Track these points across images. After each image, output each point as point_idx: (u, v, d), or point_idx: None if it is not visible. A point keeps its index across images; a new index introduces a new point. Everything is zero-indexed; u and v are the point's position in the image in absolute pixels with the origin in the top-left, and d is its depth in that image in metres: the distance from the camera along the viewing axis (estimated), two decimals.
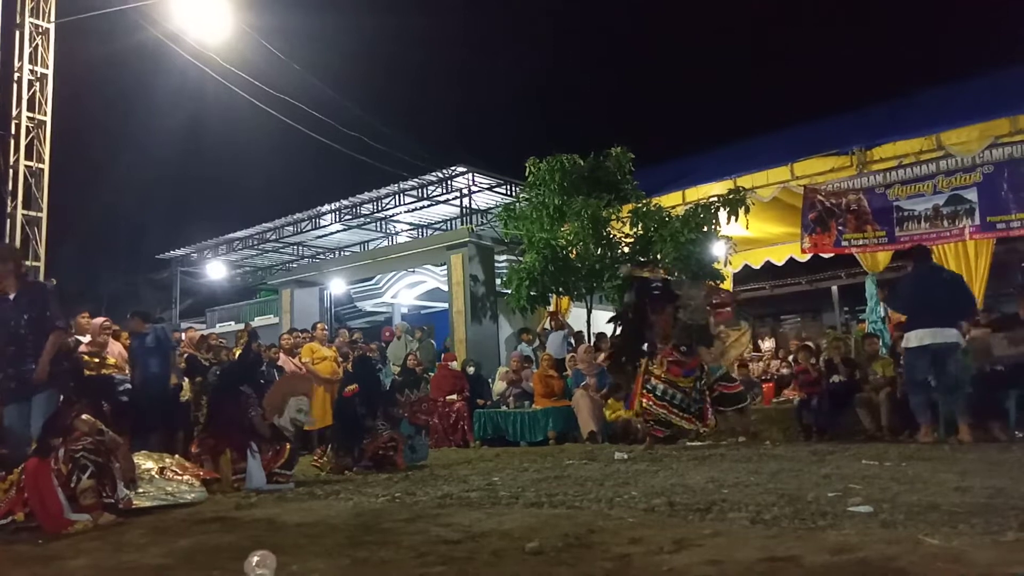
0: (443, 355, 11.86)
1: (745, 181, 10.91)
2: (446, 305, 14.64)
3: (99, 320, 7.85)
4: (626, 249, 11.30)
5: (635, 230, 11.14)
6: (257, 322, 19.04)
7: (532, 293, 11.34)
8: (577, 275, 11.30)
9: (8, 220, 9.56)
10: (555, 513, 3.92)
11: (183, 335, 10.26)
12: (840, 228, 10.11)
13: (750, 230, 11.73)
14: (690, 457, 6.44)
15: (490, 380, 11.32)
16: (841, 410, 7.87)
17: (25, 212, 9.63)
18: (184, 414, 8.49)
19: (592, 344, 11.00)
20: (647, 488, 4.58)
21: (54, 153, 9.98)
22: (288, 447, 6.06)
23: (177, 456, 5.87)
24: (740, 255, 13.34)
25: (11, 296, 5.35)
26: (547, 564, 2.82)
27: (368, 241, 20.85)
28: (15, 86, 9.70)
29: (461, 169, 15.86)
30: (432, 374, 11.20)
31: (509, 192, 16.36)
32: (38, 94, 9.87)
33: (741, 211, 10.56)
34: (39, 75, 9.89)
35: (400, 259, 16.14)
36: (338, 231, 19.87)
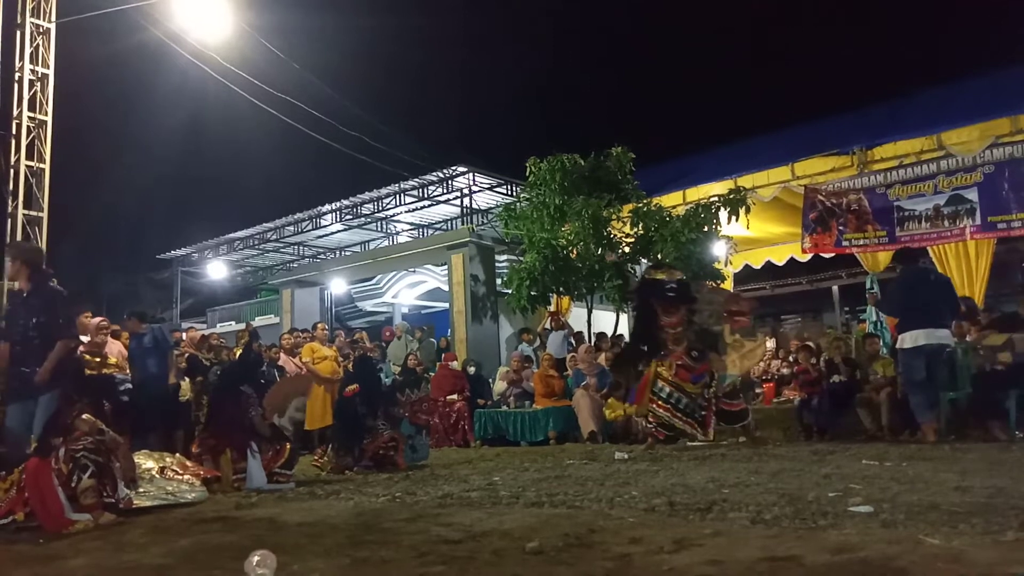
0: (443, 355, 11.86)
1: (746, 181, 10.91)
2: (447, 305, 14.64)
3: (96, 320, 7.85)
4: (627, 249, 11.31)
5: (636, 230, 11.14)
6: (258, 322, 19.06)
7: (533, 293, 11.34)
8: (578, 275, 11.30)
9: (9, 220, 9.55)
10: (555, 513, 3.92)
11: (184, 335, 10.26)
12: (841, 228, 10.11)
13: (751, 230, 11.73)
14: (690, 457, 6.44)
15: (490, 380, 11.32)
16: (841, 410, 7.86)
17: (26, 212, 9.63)
18: (184, 414, 8.49)
19: (593, 344, 11.00)
20: (647, 488, 4.58)
21: (55, 153, 9.99)
22: (288, 447, 6.06)
23: (178, 455, 5.88)
24: (741, 255, 13.34)
25: (25, 295, 5.38)
26: (548, 564, 2.82)
27: (369, 241, 20.86)
28: (16, 86, 9.70)
29: (462, 169, 15.87)
30: (432, 374, 11.21)
31: (510, 192, 16.37)
32: (39, 94, 9.87)
33: (742, 211, 10.55)
34: (40, 75, 9.90)
35: (401, 259, 16.13)
36: (339, 231, 19.88)
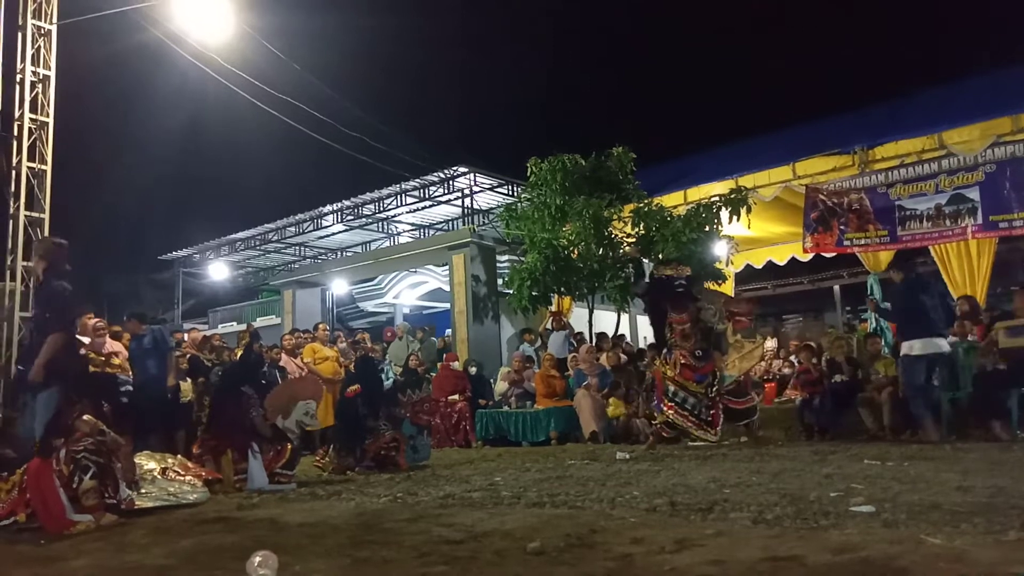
0: (445, 355, 11.86)
1: (747, 181, 10.90)
2: (448, 305, 14.64)
3: (92, 321, 7.87)
4: (627, 249, 11.30)
5: (637, 230, 11.13)
6: (259, 323, 19.07)
7: (534, 293, 11.34)
8: (579, 275, 11.29)
9: (11, 221, 9.55)
10: (557, 513, 3.92)
11: (185, 336, 10.27)
12: (842, 227, 10.10)
13: (752, 230, 11.71)
14: (692, 457, 6.44)
15: (492, 380, 11.32)
16: (843, 410, 7.85)
17: (28, 213, 9.63)
18: (185, 415, 8.49)
19: (594, 344, 11.00)
20: (649, 488, 4.58)
21: (56, 154, 9.98)
22: (289, 447, 6.07)
23: (179, 456, 5.89)
24: (742, 255, 13.33)
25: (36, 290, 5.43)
26: (549, 564, 2.82)
27: (370, 241, 20.87)
28: (17, 87, 9.71)
29: (463, 169, 15.87)
30: (434, 374, 11.21)
31: (511, 192, 16.38)
32: (40, 96, 9.87)
33: (743, 211, 10.55)
34: (41, 76, 9.90)
35: (402, 259, 16.13)
36: (340, 232, 19.90)
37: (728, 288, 11.79)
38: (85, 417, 4.55)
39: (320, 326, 11.04)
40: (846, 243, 10.17)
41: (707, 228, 10.73)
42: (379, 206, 18.07)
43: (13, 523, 4.23)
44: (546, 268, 11.12)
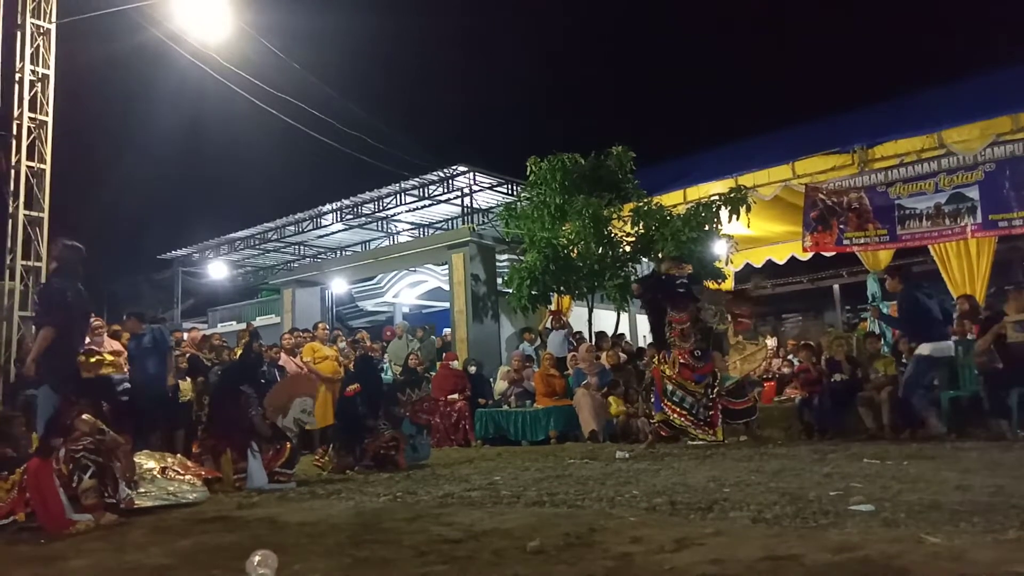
0: (444, 355, 11.85)
1: (746, 180, 10.90)
2: (447, 304, 14.63)
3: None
4: (627, 248, 11.30)
5: (636, 229, 11.13)
6: (259, 322, 19.05)
7: (533, 292, 11.33)
8: (578, 274, 11.29)
9: (10, 220, 9.56)
10: (556, 512, 3.92)
11: (185, 335, 10.27)
12: (841, 227, 10.09)
13: (751, 229, 11.72)
14: (691, 456, 6.44)
15: (491, 379, 11.31)
16: (842, 409, 7.85)
17: (27, 212, 9.63)
18: (184, 414, 8.49)
19: (593, 343, 11.00)
20: (648, 487, 4.58)
21: (56, 153, 9.99)
22: (289, 446, 6.07)
23: (179, 456, 5.89)
24: (741, 254, 13.32)
25: None
26: (548, 563, 2.82)
27: (369, 241, 20.86)
28: (17, 87, 9.71)
29: (462, 168, 15.86)
30: (433, 373, 11.20)
31: (510, 191, 16.37)
32: (39, 95, 9.88)
33: (742, 210, 10.55)
34: (40, 76, 9.90)
35: (401, 258, 16.13)
36: (339, 231, 19.88)
37: (727, 288, 11.79)
38: (84, 416, 4.55)
39: (320, 325, 11.04)
40: (845, 242, 10.17)
41: (707, 227, 10.73)
42: (378, 205, 18.06)
43: (12, 523, 4.23)
44: (546, 267, 11.12)
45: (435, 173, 16.36)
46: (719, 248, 11.23)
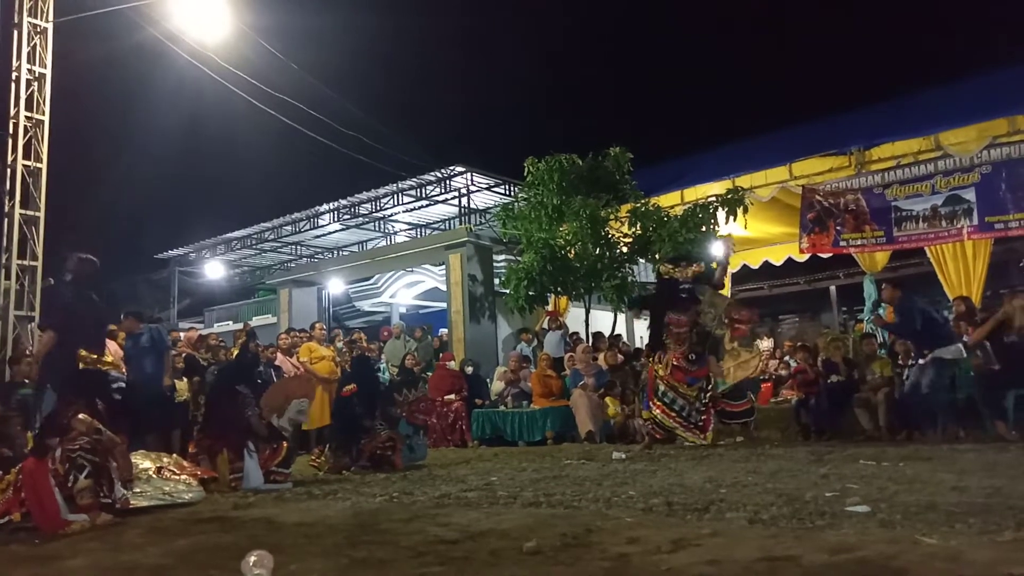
0: (441, 355, 11.85)
1: (744, 181, 10.91)
2: (444, 305, 14.62)
3: None
4: (624, 249, 11.31)
5: (634, 230, 11.14)
6: (255, 322, 19.00)
7: (530, 293, 11.33)
8: (575, 275, 11.29)
9: (6, 219, 9.52)
10: (553, 513, 3.92)
11: (182, 335, 10.25)
12: (838, 228, 10.11)
13: (748, 230, 11.73)
14: (688, 457, 6.44)
15: (488, 380, 11.31)
16: (839, 410, 7.87)
17: (23, 211, 9.59)
18: (181, 414, 8.48)
19: (590, 344, 11.00)
20: (645, 488, 4.58)
21: (52, 152, 9.96)
22: (285, 445, 6.07)
23: (175, 456, 5.88)
24: (738, 255, 13.32)
25: None
26: (545, 564, 2.82)
27: (366, 241, 20.84)
28: (13, 85, 9.68)
29: (460, 169, 15.85)
30: (431, 374, 11.19)
31: (508, 192, 16.35)
32: (36, 94, 9.84)
33: (739, 211, 10.56)
34: (37, 74, 9.86)
35: (398, 259, 16.12)
36: (336, 231, 19.85)
37: (725, 289, 11.80)
38: (81, 416, 4.54)
39: (317, 325, 11.02)
40: (842, 244, 10.19)
41: (704, 228, 10.73)
42: (376, 205, 18.04)
43: (8, 523, 4.22)
44: (543, 268, 11.12)
45: (432, 173, 16.35)
46: (716, 249, 11.23)
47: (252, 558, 2.87)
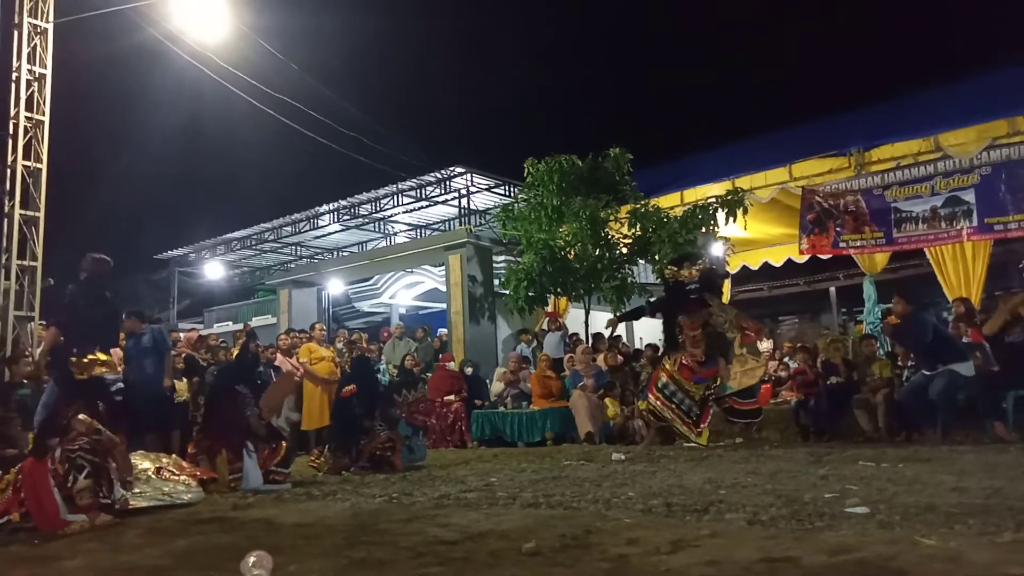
0: (441, 356, 11.85)
1: (743, 182, 10.92)
2: (444, 306, 14.64)
3: None
4: (624, 250, 11.31)
5: (633, 231, 11.15)
6: (255, 322, 19.01)
7: (530, 294, 11.33)
8: (575, 276, 11.30)
9: (6, 220, 9.52)
10: (552, 514, 3.92)
11: (182, 336, 10.24)
12: (838, 229, 10.12)
13: (748, 231, 11.74)
14: (687, 458, 6.44)
15: (488, 381, 11.31)
16: (838, 411, 7.86)
17: (23, 212, 9.60)
18: (181, 415, 8.47)
19: (590, 345, 10.99)
20: (644, 489, 4.58)
21: (52, 153, 9.97)
22: (284, 445, 6.07)
23: (174, 456, 5.88)
24: (738, 256, 13.35)
25: None
26: (544, 565, 2.81)
27: (366, 241, 20.86)
28: (13, 86, 9.68)
29: (459, 170, 15.87)
30: (430, 374, 11.19)
31: (507, 193, 16.37)
32: (36, 94, 9.85)
33: (739, 212, 10.56)
34: (37, 75, 9.87)
35: (398, 259, 16.13)
36: (336, 231, 19.88)
37: (724, 289, 11.80)
38: (80, 416, 4.54)
39: (317, 326, 11.01)
40: (842, 245, 10.20)
41: (703, 229, 10.74)
42: (376, 206, 18.06)
43: (7, 523, 4.21)
44: (542, 269, 11.12)
45: (432, 174, 16.37)
46: (716, 250, 11.24)
47: (251, 559, 2.86)
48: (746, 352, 7.28)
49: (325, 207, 18.44)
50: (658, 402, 7.27)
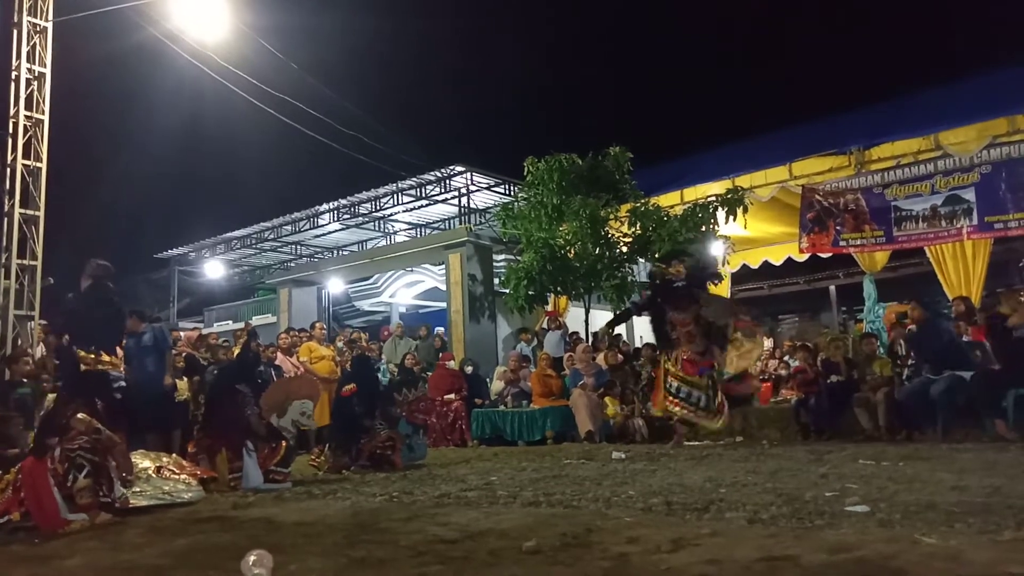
0: (441, 355, 11.85)
1: (743, 181, 10.92)
2: (444, 304, 14.64)
3: None
4: (624, 249, 11.31)
5: (633, 230, 11.14)
6: (255, 321, 18.99)
7: (530, 292, 11.33)
8: (575, 275, 11.30)
9: (6, 219, 9.52)
10: (553, 512, 3.92)
11: (182, 335, 10.23)
12: (838, 228, 10.11)
13: (748, 230, 11.73)
14: (688, 457, 6.45)
15: (488, 379, 11.31)
16: (839, 410, 7.86)
17: (23, 211, 9.59)
18: (181, 414, 8.47)
19: (590, 344, 10.99)
20: (645, 488, 4.58)
21: (52, 152, 9.96)
22: (284, 444, 6.07)
23: (174, 455, 5.88)
24: (738, 255, 13.35)
25: None
26: (545, 564, 2.81)
27: (366, 240, 20.84)
28: (13, 85, 9.68)
29: (459, 168, 15.85)
30: (430, 373, 11.19)
31: (507, 191, 16.35)
32: (36, 93, 9.84)
33: (739, 211, 10.56)
34: (37, 74, 9.86)
35: (398, 258, 16.12)
36: (336, 230, 19.85)
37: (724, 288, 11.81)
38: (80, 415, 4.53)
39: (317, 325, 11.02)
40: (842, 243, 10.20)
41: (703, 228, 10.74)
42: (376, 205, 18.03)
43: (7, 522, 4.21)
44: (542, 267, 11.12)
45: (432, 173, 16.35)
46: (716, 249, 11.24)
47: (251, 558, 2.86)
48: (740, 336, 7.35)
49: (325, 206, 18.41)
50: (675, 407, 7.35)
